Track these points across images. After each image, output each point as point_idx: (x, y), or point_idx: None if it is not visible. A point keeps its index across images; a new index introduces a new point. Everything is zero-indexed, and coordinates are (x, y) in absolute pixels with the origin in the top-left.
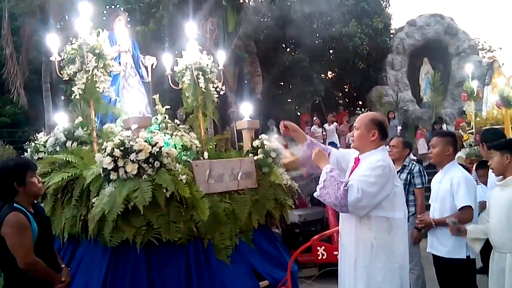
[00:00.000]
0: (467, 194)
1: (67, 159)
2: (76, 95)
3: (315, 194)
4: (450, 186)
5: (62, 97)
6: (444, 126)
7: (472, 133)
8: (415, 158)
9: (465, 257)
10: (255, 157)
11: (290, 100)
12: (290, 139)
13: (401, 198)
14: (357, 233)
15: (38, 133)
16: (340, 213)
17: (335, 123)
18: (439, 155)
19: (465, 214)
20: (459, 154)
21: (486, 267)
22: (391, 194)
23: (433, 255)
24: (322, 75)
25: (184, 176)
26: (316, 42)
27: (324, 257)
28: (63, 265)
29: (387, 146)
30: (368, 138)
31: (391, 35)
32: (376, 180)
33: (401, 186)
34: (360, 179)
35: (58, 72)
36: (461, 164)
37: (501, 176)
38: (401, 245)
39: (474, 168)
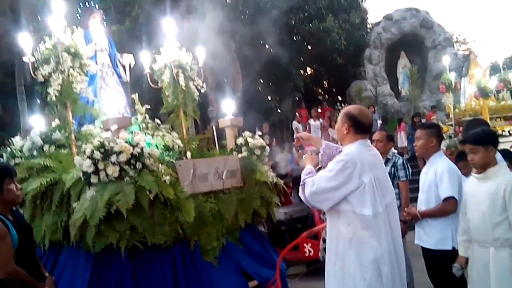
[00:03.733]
0: (450, 185)
1: (45, 164)
2: (52, 96)
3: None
4: (434, 177)
5: (38, 100)
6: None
7: (451, 124)
8: (395, 151)
9: (451, 248)
10: (240, 155)
11: (270, 97)
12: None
13: (371, 194)
14: (338, 228)
15: (13, 138)
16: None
17: (320, 119)
18: (423, 146)
19: (449, 205)
20: None
21: None
22: (358, 190)
23: (422, 247)
24: (301, 71)
25: (167, 177)
26: (294, 38)
27: (311, 254)
28: (46, 274)
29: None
30: (342, 131)
31: (368, 30)
32: (335, 175)
33: (373, 181)
34: (321, 173)
35: (32, 74)
36: None
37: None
38: (373, 241)
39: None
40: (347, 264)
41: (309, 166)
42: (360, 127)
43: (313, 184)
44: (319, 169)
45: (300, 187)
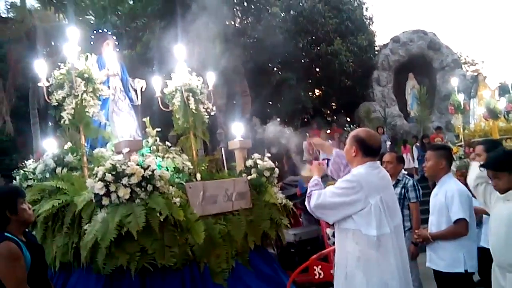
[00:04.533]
0: (461, 207)
1: (57, 186)
2: (65, 120)
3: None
4: (445, 199)
5: (50, 123)
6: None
7: (461, 145)
8: (405, 172)
9: (463, 271)
10: (249, 177)
11: (279, 119)
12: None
13: (377, 216)
14: (346, 246)
15: (26, 161)
16: (335, 229)
17: (329, 141)
18: (432, 168)
19: (460, 227)
20: None
21: (484, 280)
22: (363, 211)
23: (433, 269)
24: (309, 93)
25: (178, 199)
26: (302, 61)
27: (321, 277)
28: None
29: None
30: (350, 154)
31: (376, 52)
32: (341, 192)
33: (379, 203)
34: (328, 188)
35: (46, 98)
36: None
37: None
38: (381, 261)
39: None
40: (355, 284)
41: (316, 177)
42: (368, 150)
43: (319, 197)
44: (325, 176)
45: (306, 197)
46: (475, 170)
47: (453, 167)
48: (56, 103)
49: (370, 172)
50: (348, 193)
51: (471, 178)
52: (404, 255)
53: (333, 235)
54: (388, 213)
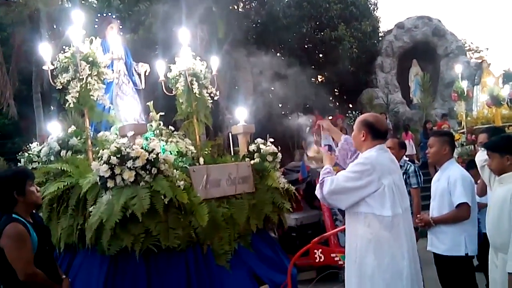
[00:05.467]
0: (463, 191)
1: (62, 168)
2: (70, 103)
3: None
4: (447, 184)
5: (52, 107)
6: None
7: (463, 132)
8: (407, 158)
9: (464, 255)
10: (252, 161)
11: (281, 104)
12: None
13: (391, 196)
14: (357, 229)
15: (29, 144)
16: (345, 213)
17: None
18: (436, 154)
19: (462, 211)
20: None
21: (482, 265)
22: (377, 193)
23: (433, 253)
24: (312, 79)
25: (181, 182)
26: (306, 46)
27: (322, 260)
28: (63, 276)
29: None
30: (359, 138)
31: (380, 38)
32: (354, 176)
33: (392, 184)
34: (341, 173)
35: (51, 81)
36: None
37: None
38: (392, 241)
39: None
40: (366, 265)
41: (328, 165)
42: (377, 133)
43: (332, 183)
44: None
45: (318, 185)
46: (483, 152)
47: (454, 154)
48: (61, 87)
49: (381, 154)
50: (362, 176)
51: (478, 158)
52: (413, 237)
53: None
54: (400, 195)
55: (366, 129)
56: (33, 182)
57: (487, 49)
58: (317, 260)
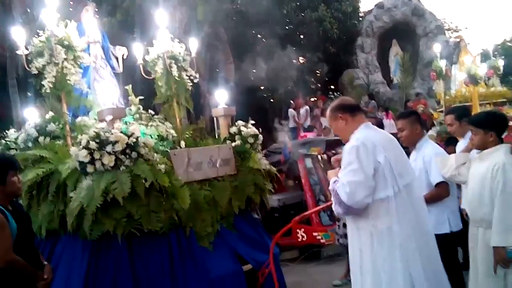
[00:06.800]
0: (439, 171)
1: (41, 155)
2: (46, 89)
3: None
4: (423, 163)
5: (29, 94)
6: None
7: (442, 111)
8: None
9: (449, 232)
10: (233, 144)
11: (263, 87)
12: None
13: (389, 174)
14: (358, 222)
15: (5, 131)
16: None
17: (306, 107)
18: (409, 136)
19: (441, 190)
20: (430, 132)
21: (461, 240)
22: (377, 173)
23: None
24: (294, 61)
25: (162, 166)
26: (287, 27)
27: (304, 239)
28: (45, 262)
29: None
30: (341, 125)
31: (360, 18)
32: (356, 164)
33: (389, 162)
34: (343, 173)
35: (26, 66)
36: None
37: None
38: (395, 226)
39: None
40: (369, 257)
41: (334, 178)
42: (351, 108)
43: (344, 186)
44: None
45: (332, 198)
46: (454, 159)
47: (433, 132)
48: (36, 72)
49: (368, 132)
50: (361, 157)
51: (450, 167)
52: (423, 214)
53: (345, 236)
54: (396, 171)
55: (341, 112)
56: (16, 172)
57: (466, 28)
58: (299, 240)
